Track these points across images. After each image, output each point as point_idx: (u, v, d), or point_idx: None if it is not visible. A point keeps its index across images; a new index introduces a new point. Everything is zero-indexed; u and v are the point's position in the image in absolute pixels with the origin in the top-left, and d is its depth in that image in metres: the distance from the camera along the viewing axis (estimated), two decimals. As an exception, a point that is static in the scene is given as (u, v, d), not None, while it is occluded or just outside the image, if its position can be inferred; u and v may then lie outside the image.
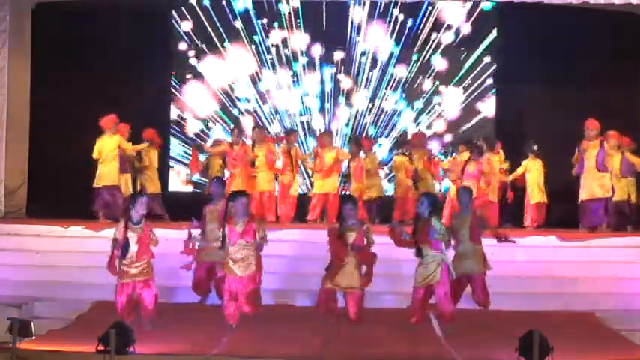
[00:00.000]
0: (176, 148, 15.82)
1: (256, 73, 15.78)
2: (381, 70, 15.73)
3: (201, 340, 8.48)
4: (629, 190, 13.57)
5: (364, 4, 15.53)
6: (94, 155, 13.18)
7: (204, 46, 15.73)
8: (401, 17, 15.59)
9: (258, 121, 15.66)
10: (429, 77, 15.72)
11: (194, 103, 15.80)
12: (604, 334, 9.36)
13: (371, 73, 15.74)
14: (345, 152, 14.02)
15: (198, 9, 15.66)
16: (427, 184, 14.00)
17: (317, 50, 15.75)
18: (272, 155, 13.60)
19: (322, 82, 15.78)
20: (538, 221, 14.01)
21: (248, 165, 13.39)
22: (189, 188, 15.78)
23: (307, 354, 8.13)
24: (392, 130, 15.84)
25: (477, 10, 15.50)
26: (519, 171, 14.09)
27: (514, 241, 10.26)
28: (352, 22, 15.64)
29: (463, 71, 15.72)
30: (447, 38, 15.68)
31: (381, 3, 15.35)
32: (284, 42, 15.75)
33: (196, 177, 15.25)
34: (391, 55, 15.70)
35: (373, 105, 15.77)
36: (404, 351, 8.31)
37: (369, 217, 13.37)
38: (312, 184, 14.17)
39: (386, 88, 15.77)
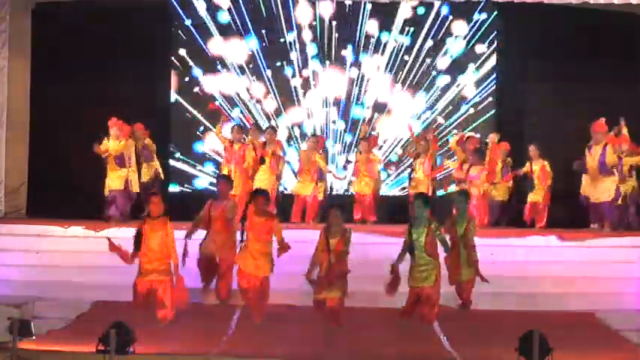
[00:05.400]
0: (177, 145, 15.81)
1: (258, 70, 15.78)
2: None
3: (201, 340, 8.49)
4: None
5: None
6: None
7: (204, 46, 15.73)
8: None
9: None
10: (429, 76, 15.74)
11: (194, 103, 15.78)
12: (604, 334, 9.36)
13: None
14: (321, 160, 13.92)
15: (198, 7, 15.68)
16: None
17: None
18: (277, 156, 13.46)
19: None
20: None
21: (242, 165, 13.18)
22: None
23: (307, 354, 8.13)
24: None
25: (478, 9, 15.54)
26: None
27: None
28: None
29: (463, 72, 15.74)
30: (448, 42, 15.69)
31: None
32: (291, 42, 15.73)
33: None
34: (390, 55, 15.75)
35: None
36: (404, 351, 8.31)
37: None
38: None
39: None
